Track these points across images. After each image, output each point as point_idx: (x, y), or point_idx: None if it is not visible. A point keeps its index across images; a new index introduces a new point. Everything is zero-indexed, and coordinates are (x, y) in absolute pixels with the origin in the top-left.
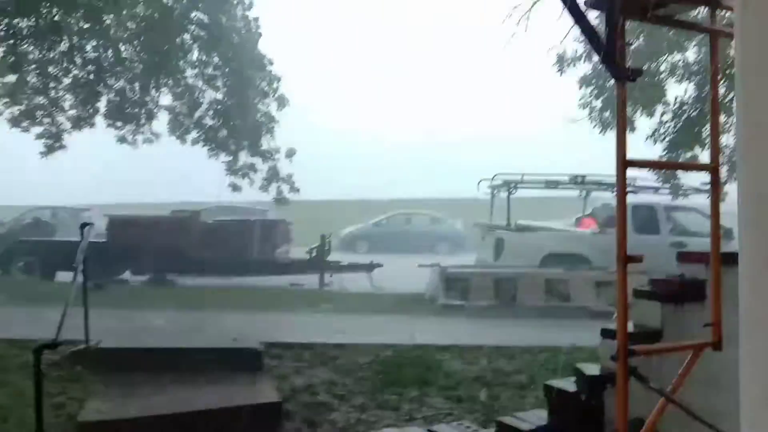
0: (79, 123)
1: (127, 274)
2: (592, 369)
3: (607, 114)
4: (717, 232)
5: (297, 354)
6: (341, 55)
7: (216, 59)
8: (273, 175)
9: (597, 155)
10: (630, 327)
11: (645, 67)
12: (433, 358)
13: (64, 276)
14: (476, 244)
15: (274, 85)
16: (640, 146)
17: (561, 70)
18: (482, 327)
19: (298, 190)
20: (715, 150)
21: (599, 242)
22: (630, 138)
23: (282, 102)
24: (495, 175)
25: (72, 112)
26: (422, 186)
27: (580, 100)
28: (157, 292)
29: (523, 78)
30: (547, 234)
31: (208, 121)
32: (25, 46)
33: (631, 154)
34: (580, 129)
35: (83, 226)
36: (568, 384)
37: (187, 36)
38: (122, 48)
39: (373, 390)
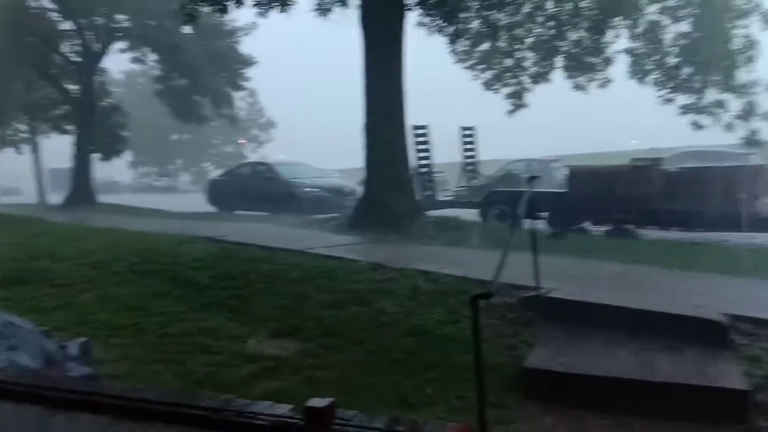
0: (537, 79)
1: (588, 224)
2: None
3: None
4: None
5: None
6: None
7: None
8: (748, 111)
9: None
10: None
11: None
12: None
13: (533, 223)
14: None
15: (755, 1)
16: None
17: None
18: None
19: None
20: None
21: None
22: None
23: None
24: None
25: (533, 69)
26: None
27: None
28: (615, 244)
29: None
30: None
31: (672, 60)
32: (495, 14)
33: None
34: None
35: (530, 179)
36: None
37: None
38: None
39: None
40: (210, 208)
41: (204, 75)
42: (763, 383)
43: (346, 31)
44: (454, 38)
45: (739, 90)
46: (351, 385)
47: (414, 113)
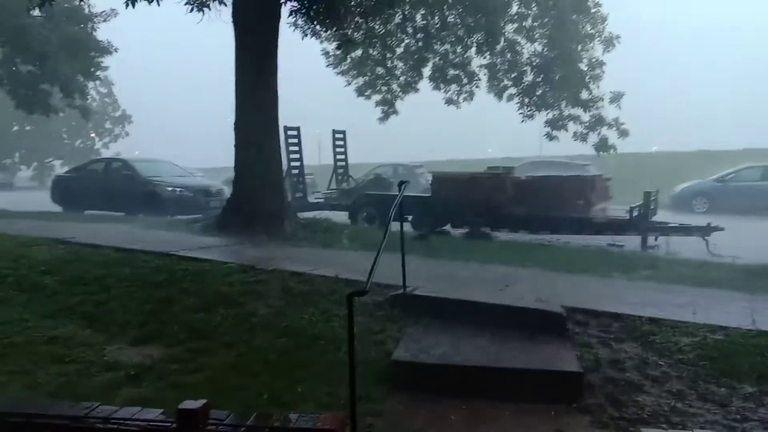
0: (407, 88)
1: (449, 227)
2: None
3: None
4: None
5: (604, 323)
6: None
7: (535, 9)
8: (596, 123)
9: None
10: None
11: None
12: None
13: (397, 226)
14: None
15: (600, 27)
16: None
17: None
18: None
19: (626, 134)
20: None
21: None
22: None
23: (609, 43)
24: None
25: (402, 78)
26: None
27: None
28: (472, 245)
29: None
30: None
31: (527, 77)
32: (370, 22)
33: None
34: None
35: (401, 183)
36: None
37: None
38: (447, 13)
39: (694, 377)
40: (55, 207)
41: (54, 61)
42: (593, 366)
43: (219, 26)
44: (331, 41)
45: (588, 104)
46: (221, 388)
47: (286, 114)
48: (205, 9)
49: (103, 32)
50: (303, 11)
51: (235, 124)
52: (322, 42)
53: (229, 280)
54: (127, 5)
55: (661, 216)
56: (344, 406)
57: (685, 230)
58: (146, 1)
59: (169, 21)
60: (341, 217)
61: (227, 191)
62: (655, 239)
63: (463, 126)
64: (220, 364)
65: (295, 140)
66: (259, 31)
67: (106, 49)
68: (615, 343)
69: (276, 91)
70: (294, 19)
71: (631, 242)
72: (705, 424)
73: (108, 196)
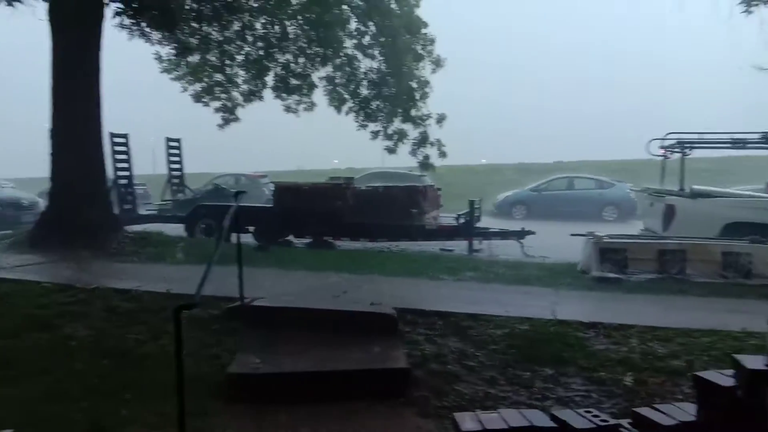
0: (249, 97)
1: (292, 237)
2: (754, 361)
3: None
4: None
5: (430, 322)
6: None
7: (373, 28)
8: (422, 140)
9: None
10: None
11: None
12: (576, 336)
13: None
14: (643, 211)
15: (429, 48)
16: None
17: (747, 10)
18: (638, 304)
19: (445, 155)
20: None
21: None
22: None
23: (438, 63)
24: (667, 134)
25: (245, 86)
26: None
27: None
28: (314, 255)
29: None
30: (729, 201)
31: (363, 91)
32: (206, 27)
33: None
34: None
35: (237, 194)
36: (723, 377)
37: (345, 6)
38: (288, 24)
39: (505, 364)
40: None
41: None
42: (420, 361)
43: (34, 22)
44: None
45: (416, 121)
46: (33, 417)
47: (119, 121)
48: (17, 3)
49: None
50: (130, 13)
51: (51, 130)
52: (153, 45)
53: (43, 302)
54: None
55: (486, 222)
56: (176, 425)
57: (503, 234)
58: None
59: None
60: (177, 229)
61: (43, 204)
62: (480, 243)
63: (311, 137)
64: (32, 392)
65: (123, 148)
66: (78, 30)
67: None
68: (439, 339)
69: (99, 96)
70: (120, 20)
71: (460, 247)
72: (512, 404)
73: None
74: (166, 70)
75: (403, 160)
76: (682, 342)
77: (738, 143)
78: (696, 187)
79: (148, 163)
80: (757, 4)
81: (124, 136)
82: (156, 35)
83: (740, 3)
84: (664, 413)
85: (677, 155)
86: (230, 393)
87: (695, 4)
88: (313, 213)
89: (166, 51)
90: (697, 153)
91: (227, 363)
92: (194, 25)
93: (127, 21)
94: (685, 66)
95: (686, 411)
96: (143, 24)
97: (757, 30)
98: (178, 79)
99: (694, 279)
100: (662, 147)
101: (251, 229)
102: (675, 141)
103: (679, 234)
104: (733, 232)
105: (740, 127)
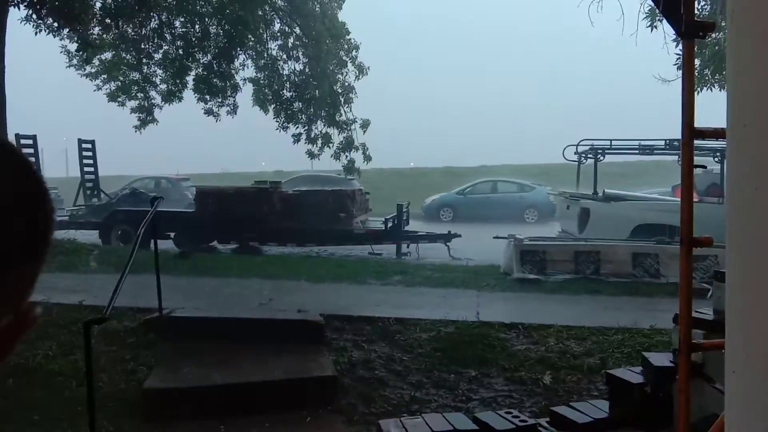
0: (169, 97)
1: (216, 243)
2: (660, 359)
3: (706, 72)
4: None
5: (358, 328)
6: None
7: (297, 30)
8: (347, 145)
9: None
10: (709, 314)
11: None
12: (497, 337)
13: (160, 244)
14: (560, 214)
15: (353, 54)
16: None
17: (652, 25)
18: (556, 304)
19: (370, 159)
20: None
21: (699, 212)
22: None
23: (361, 70)
24: (580, 141)
25: (163, 86)
26: (511, 153)
27: (678, 59)
28: (239, 261)
29: (607, 35)
30: (638, 204)
31: (286, 93)
32: (121, 24)
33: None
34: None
35: (153, 199)
36: (632, 374)
37: (268, 8)
38: (208, 22)
39: (430, 367)
40: None
41: None
42: (347, 368)
43: None
44: (72, 41)
45: (341, 126)
46: None
47: (26, 121)
48: None
49: None
50: (31, 4)
51: None
52: (62, 40)
53: None
54: None
55: (414, 225)
56: None
57: (430, 238)
58: None
59: None
60: (91, 236)
61: None
62: (407, 247)
63: (237, 139)
64: None
65: (30, 150)
66: None
67: None
68: (367, 344)
69: (2, 94)
70: (26, 12)
71: (388, 250)
72: (437, 407)
73: None
74: (73, 66)
75: (333, 164)
76: (596, 340)
77: (646, 149)
78: (609, 190)
79: (60, 166)
80: (661, 20)
81: (32, 137)
82: (64, 30)
83: (645, 17)
84: (579, 411)
85: (591, 160)
86: (147, 410)
87: (605, 19)
88: (238, 218)
89: (75, 47)
90: (611, 158)
91: (144, 378)
92: (108, 21)
93: (32, 14)
94: (600, 75)
95: (600, 408)
96: (50, 19)
97: (662, 44)
98: (89, 76)
99: (607, 279)
100: (576, 153)
101: (172, 235)
102: (588, 147)
103: (594, 236)
104: (642, 234)
105: (653, 134)
